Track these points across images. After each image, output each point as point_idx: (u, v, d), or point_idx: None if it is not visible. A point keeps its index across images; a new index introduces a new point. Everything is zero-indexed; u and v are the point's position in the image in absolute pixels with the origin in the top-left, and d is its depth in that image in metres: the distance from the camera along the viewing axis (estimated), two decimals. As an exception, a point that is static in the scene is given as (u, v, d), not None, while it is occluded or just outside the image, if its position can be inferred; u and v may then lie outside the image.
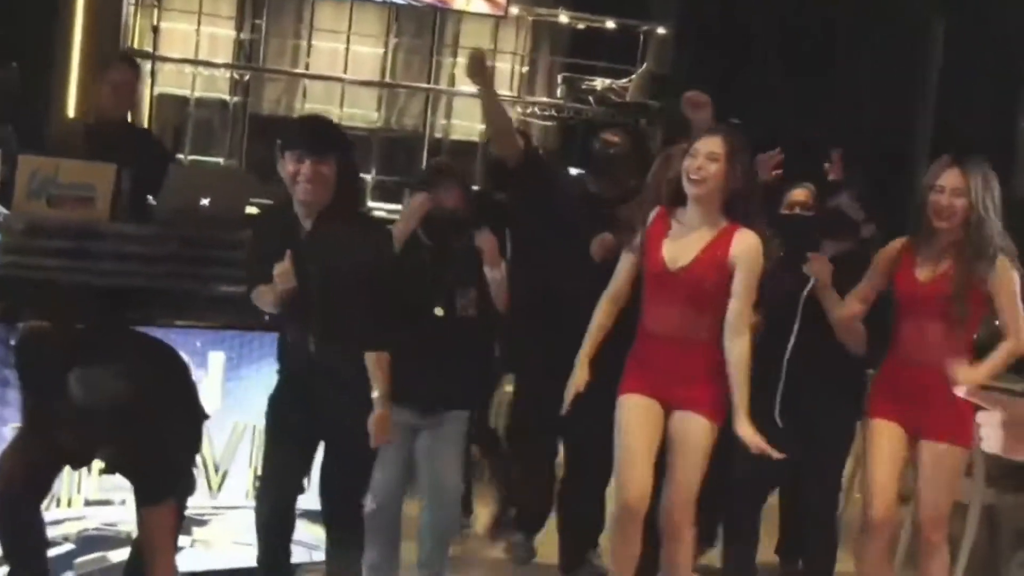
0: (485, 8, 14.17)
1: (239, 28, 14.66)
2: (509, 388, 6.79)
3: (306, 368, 4.88)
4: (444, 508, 5.43)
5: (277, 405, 5.01)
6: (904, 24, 11.17)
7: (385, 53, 15.07)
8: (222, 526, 5.60)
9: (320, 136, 4.84)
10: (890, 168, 8.49)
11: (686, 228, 5.03)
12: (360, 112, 15.07)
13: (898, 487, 5.29)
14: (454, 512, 5.57)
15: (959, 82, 10.94)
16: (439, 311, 5.26)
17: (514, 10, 14.46)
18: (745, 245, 4.98)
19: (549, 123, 14.91)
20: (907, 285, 5.22)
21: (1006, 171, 10.48)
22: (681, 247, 5.01)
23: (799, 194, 6.00)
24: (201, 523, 5.54)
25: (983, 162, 5.21)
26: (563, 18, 14.63)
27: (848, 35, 11.29)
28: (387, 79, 14.97)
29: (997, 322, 5.20)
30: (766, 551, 6.24)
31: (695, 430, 5.00)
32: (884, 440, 5.25)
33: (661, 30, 14.22)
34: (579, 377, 5.05)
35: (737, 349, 4.96)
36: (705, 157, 4.94)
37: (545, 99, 14.92)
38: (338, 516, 5.03)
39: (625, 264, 5.12)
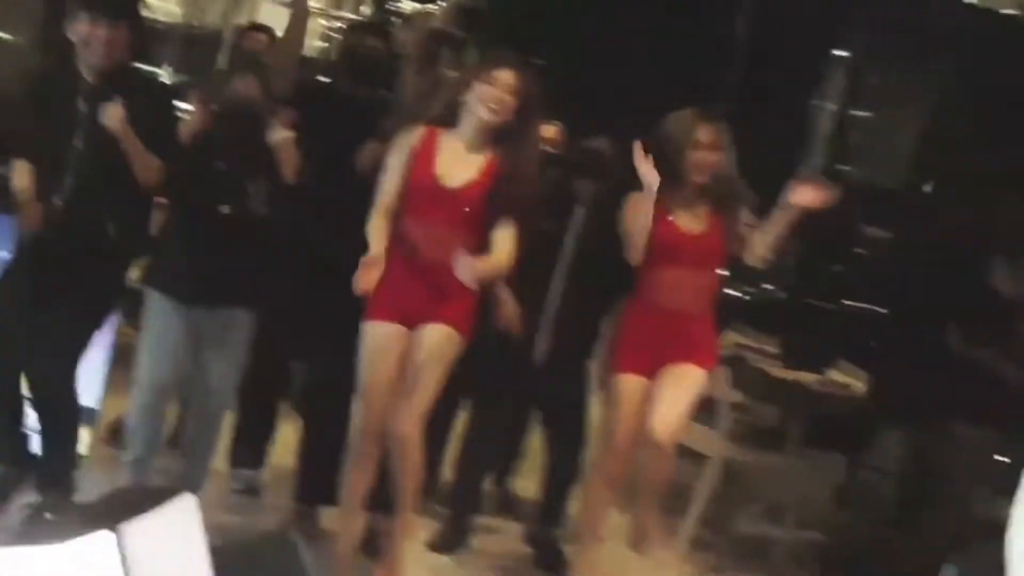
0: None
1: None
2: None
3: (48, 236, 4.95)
4: (215, 408, 5.34)
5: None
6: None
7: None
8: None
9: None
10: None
11: (460, 149, 5.01)
12: (162, 5, 14.71)
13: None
14: (218, 419, 5.40)
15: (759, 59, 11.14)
16: (225, 208, 5.08)
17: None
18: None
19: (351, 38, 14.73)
20: (670, 235, 5.28)
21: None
22: (456, 167, 4.99)
23: (547, 130, 5.93)
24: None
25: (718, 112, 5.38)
26: (377, -65, 14.51)
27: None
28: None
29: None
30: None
31: (438, 340, 4.98)
32: (629, 396, 5.32)
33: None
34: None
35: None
36: (503, 89, 4.94)
37: (349, 14, 14.78)
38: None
39: (395, 177, 5.04)
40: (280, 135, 5.07)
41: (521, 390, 5.97)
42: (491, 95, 4.94)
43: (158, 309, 5.14)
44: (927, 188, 10.57)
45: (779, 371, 7.04)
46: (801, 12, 10.75)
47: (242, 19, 14.90)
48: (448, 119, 5.04)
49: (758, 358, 7.17)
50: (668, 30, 11.16)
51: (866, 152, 11.85)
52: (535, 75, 5.14)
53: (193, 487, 3.80)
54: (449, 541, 5.91)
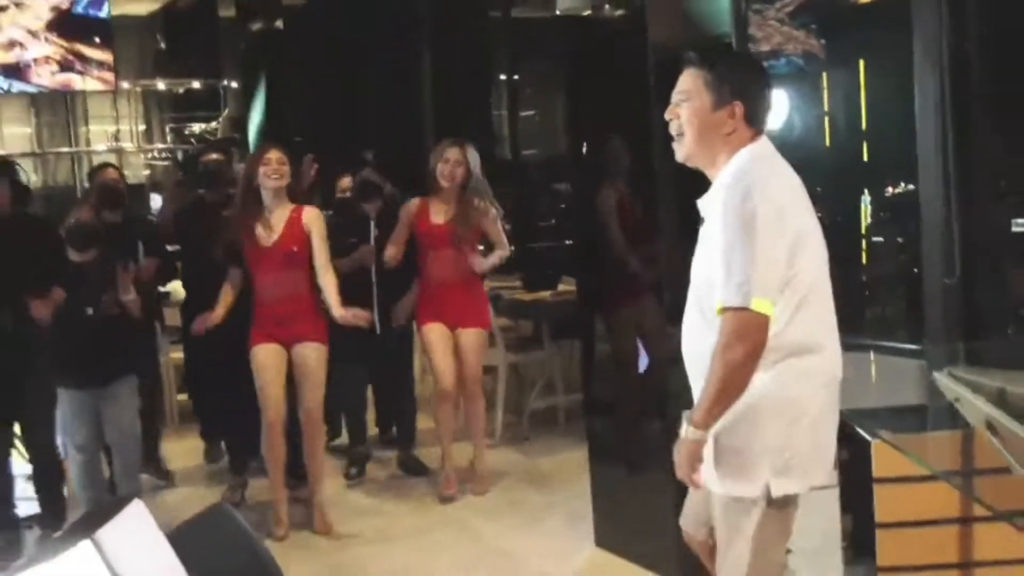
0: (99, 86, 13.50)
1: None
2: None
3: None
4: (128, 451, 5.12)
5: None
6: (403, 53, 11.31)
7: (34, 129, 14.22)
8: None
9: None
10: (404, 149, 8.51)
11: (273, 214, 4.89)
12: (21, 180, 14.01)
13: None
14: (135, 452, 5.19)
15: (446, 89, 11.14)
16: (89, 311, 4.87)
17: (125, 84, 13.89)
18: (313, 215, 4.95)
19: (166, 163, 14.47)
20: (428, 228, 5.29)
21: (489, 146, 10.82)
22: (275, 227, 4.88)
23: (343, 181, 6.06)
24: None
25: (469, 141, 5.42)
26: (161, 85, 14.21)
27: (366, 65, 11.28)
28: (37, 150, 14.10)
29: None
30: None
31: (314, 355, 4.93)
32: (436, 337, 5.31)
33: (235, 84, 14.01)
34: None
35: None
36: (276, 163, 4.87)
37: (160, 145, 14.47)
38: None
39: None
40: (127, 297, 4.92)
41: (368, 356, 5.87)
42: (269, 170, 4.85)
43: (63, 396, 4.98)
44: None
45: (525, 295, 7.16)
46: (470, 52, 10.82)
47: (84, 173, 14.51)
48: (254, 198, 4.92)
49: (510, 291, 7.27)
50: (377, 85, 11.12)
51: (537, 138, 11.96)
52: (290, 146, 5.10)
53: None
54: (355, 474, 5.86)
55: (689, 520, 2.84)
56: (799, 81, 5.89)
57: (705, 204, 2.59)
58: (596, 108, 4.67)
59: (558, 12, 5.53)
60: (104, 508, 2.18)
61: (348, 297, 5.62)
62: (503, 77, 11.25)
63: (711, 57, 2.60)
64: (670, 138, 2.68)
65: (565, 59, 5.03)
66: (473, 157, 5.33)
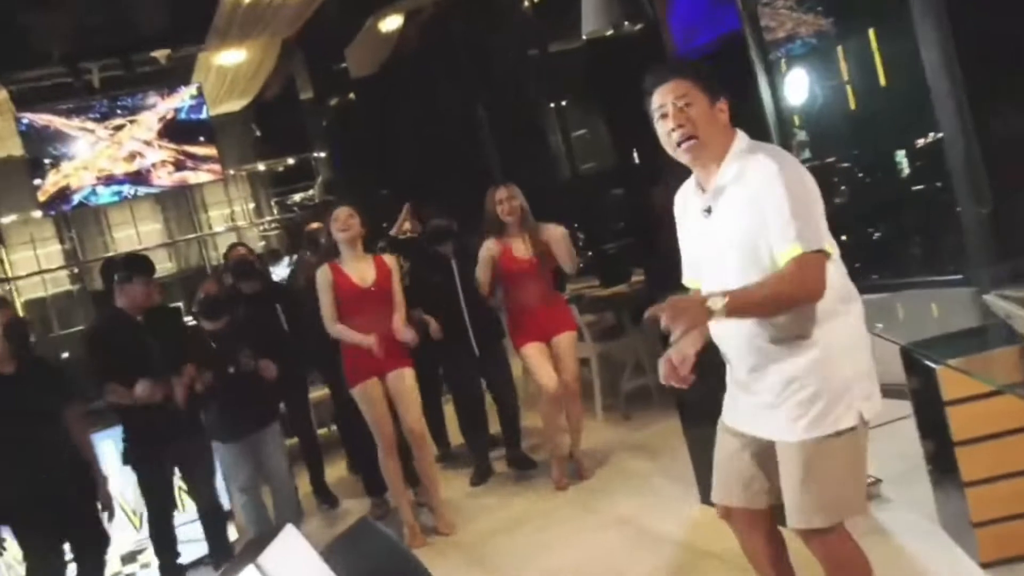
0: (209, 177, 13.85)
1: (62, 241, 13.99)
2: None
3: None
4: (283, 485, 5.19)
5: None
6: (461, 103, 11.35)
7: (163, 224, 14.60)
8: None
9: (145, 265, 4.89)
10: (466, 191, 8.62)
11: (358, 264, 4.91)
12: (159, 266, 14.48)
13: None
14: (290, 486, 5.29)
15: (502, 127, 11.15)
16: (231, 370, 4.97)
17: (231, 171, 14.22)
18: (392, 260, 5.03)
19: (276, 231, 14.75)
20: (513, 264, 5.27)
21: (550, 167, 10.79)
22: (361, 274, 4.90)
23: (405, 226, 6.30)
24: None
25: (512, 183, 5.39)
26: (261, 167, 14.50)
27: (431, 121, 11.36)
28: (168, 240, 14.48)
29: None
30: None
31: (406, 379, 4.95)
32: (534, 353, 5.27)
33: (323, 155, 14.23)
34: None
35: None
36: (345, 217, 4.89)
37: (269, 217, 14.74)
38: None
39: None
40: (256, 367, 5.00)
41: (476, 373, 5.88)
42: (338, 226, 4.88)
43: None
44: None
45: (604, 291, 7.10)
46: (519, 91, 10.81)
47: (211, 252, 14.85)
48: (335, 252, 4.95)
49: (590, 290, 7.24)
50: (440, 137, 11.17)
51: (591, 153, 11.88)
52: (356, 204, 5.09)
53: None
54: (481, 476, 5.82)
55: (726, 490, 2.75)
56: (816, 58, 5.77)
57: (725, 179, 2.55)
58: (634, 117, 4.62)
59: (584, 37, 5.46)
60: (262, 536, 2.19)
61: (445, 324, 5.68)
62: (552, 105, 11.20)
63: (687, 65, 2.63)
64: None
65: (597, 79, 4.99)
66: (518, 192, 5.30)
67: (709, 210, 2.58)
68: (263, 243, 15.00)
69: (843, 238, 6.02)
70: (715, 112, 2.57)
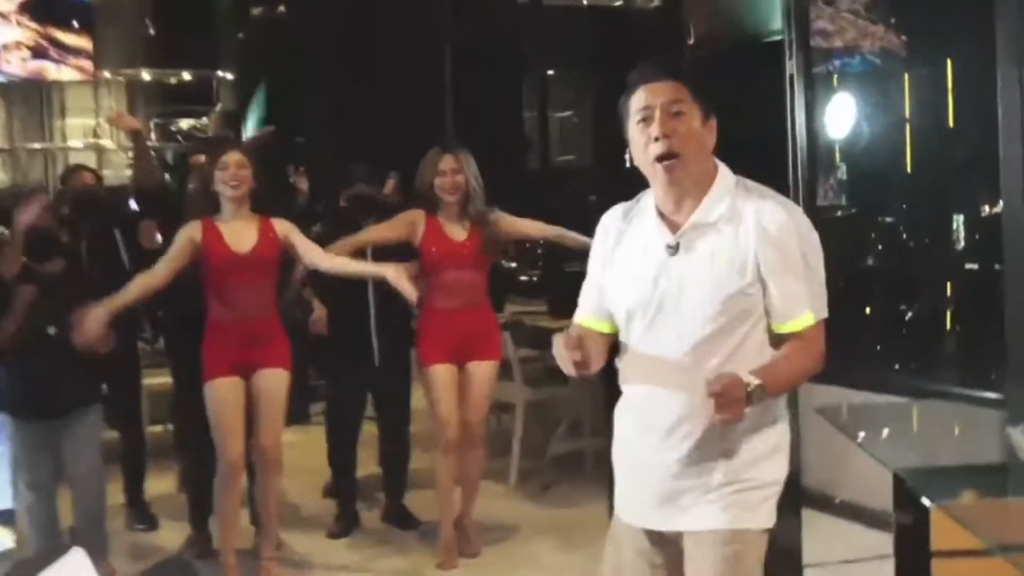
0: (76, 76, 13.63)
1: None
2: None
3: None
4: (90, 491, 5.06)
5: None
6: (422, 48, 11.34)
7: (3, 122, 14.38)
8: None
9: None
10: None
11: (237, 226, 4.90)
12: (-11, 176, 14.23)
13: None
14: (100, 493, 5.14)
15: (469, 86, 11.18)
16: (51, 330, 4.81)
17: (106, 74, 14.04)
18: (286, 225, 4.99)
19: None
20: (442, 244, 5.24)
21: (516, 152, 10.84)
22: (242, 238, 4.88)
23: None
24: None
25: (463, 146, 5.37)
26: (147, 76, 14.36)
27: (379, 58, 11.34)
28: (6, 145, 14.24)
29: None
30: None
31: (277, 383, 4.94)
32: (444, 379, 5.25)
33: (229, 76, 14.15)
34: None
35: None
36: (235, 167, 4.88)
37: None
38: None
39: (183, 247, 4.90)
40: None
41: (365, 389, 5.90)
42: (226, 176, 4.87)
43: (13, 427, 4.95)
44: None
45: (551, 322, 7.14)
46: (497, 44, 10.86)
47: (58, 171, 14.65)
48: (212, 209, 4.94)
49: (533, 318, 7.27)
50: (392, 84, 11.16)
51: (573, 143, 11.95)
52: (253, 147, 5.14)
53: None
54: (343, 528, 5.80)
55: None
56: (875, 83, 5.86)
57: (710, 216, 2.63)
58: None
59: (585, 2, 5.52)
60: (40, 556, 2.16)
61: (341, 323, 5.68)
62: (533, 74, 11.26)
63: (686, 65, 2.72)
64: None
65: (592, 55, 5.03)
66: (470, 163, 5.31)
67: (676, 248, 2.64)
68: (131, 174, 14.84)
69: (867, 310, 6.17)
70: (705, 131, 2.65)
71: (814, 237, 2.66)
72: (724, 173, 2.68)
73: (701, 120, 2.63)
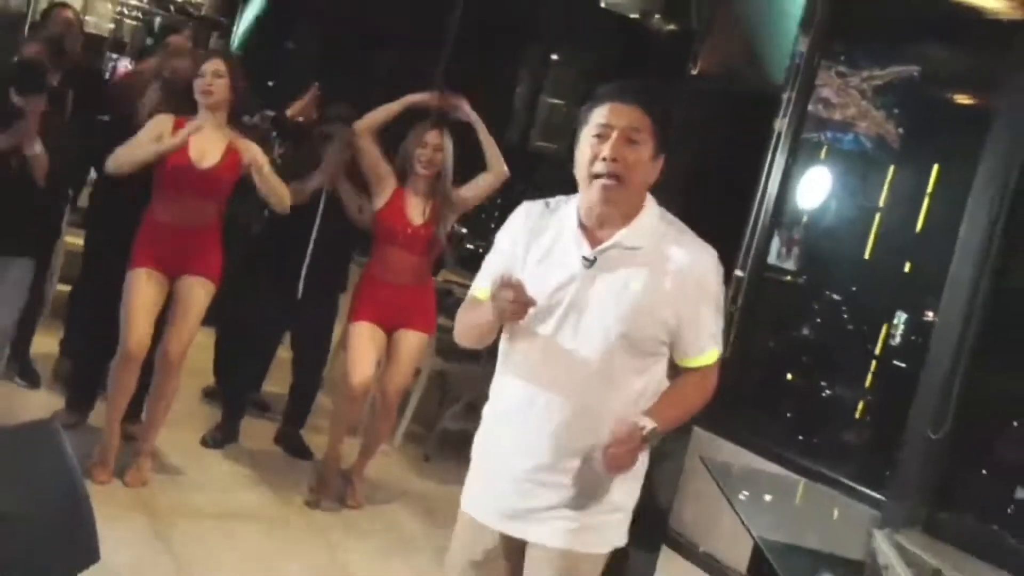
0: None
1: None
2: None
3: None
4: None
5: None
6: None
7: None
8: None
9: None
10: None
11: (207, 135, 4.96)
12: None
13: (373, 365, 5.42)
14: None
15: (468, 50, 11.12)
16: (13, 162, 4.78)
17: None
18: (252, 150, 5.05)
19: (137, 23, 14.37)
20: (399, 222, 5.35)
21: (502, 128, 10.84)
22: (206, 150, 4.95)
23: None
24: None
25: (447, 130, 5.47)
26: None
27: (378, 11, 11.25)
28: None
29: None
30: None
31: (199, 291, 5.01)
32: (365, 335, 5.36)
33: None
34: None
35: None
36: (212, 75, 4.93)
37: (134, 1, 14.36)
38: None
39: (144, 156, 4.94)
40: (33, 150, 4.80)
41: (281, 316, 5.99)
42: (202, 84, 4.93)
43: None
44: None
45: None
46: (504, 15, 10.80)
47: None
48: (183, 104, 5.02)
49: (463, 291, 7.29)
50: (395, 20, 11.08)
51: (560, 132, 11.97)
52: (236, 60, 5.22)
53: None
54: (220, 439, 5.88)
55: None
56: (860, 165, 5.96)
57: (631, 241, 2.72)
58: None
59: (603, 4, 5.57)
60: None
61: (275, 254, 5.78)
62: (534, 56, 11.24)
63: (657, 98, 2.76)
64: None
65: (599, 55, 5.09)
66: (450, 144, 5.40)
67: (593, 262, 2.72)
68: (111, 27, 14.62)
69: (788, 376, 6.26)
70: (652, 166, 2.75)
71: (721, 280, 2.81)
72: (651, 205, 2.79)
73: (652, 155, 2.72)
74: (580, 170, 2.73)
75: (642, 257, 2.71)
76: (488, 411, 2.93)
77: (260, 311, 5.92)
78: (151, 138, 4.92)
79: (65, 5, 6.57)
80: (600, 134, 2.68)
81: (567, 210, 2.80)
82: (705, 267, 2.76)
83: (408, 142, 5.40)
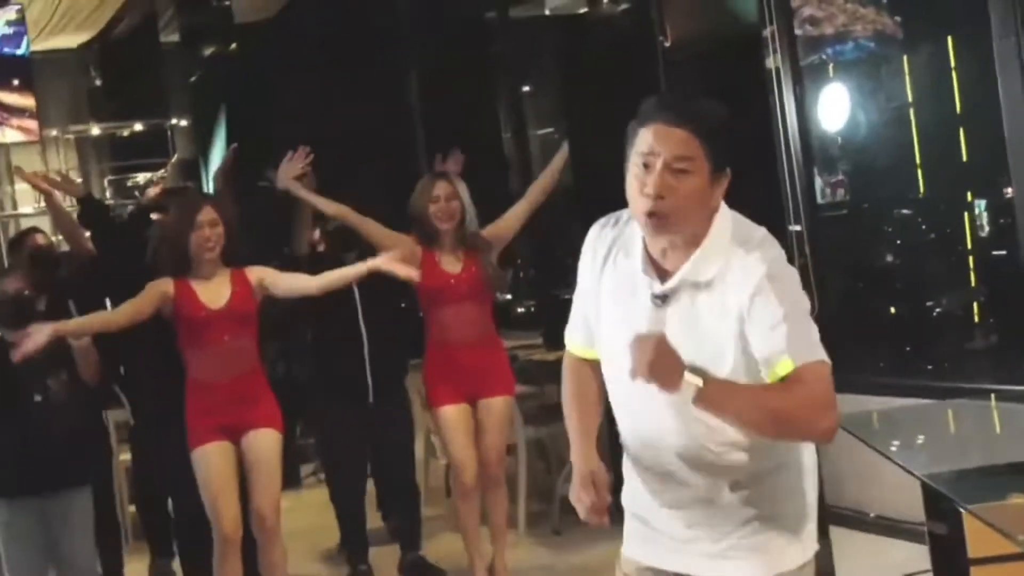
0: (20, 137, 13.66)
1: None
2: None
3: None
4: None
5: None
6: (385, 74, 11.39)
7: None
8: None
9: None
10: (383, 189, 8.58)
11: (212, 282, 4.99)
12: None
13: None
14: None
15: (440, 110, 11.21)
16: (37, 398, 4.88)
17: (53, 132, 14.08)
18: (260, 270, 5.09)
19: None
20: (438, 280, 5.31)
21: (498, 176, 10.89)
22: (215, 292, 4.96)
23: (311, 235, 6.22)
24: None
25: (452, 173, 5.49)
26: (96, 131, 14.39)
27: (340, 93, 11.37)
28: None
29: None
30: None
31: (269, 444, 4.97)
32: (456, 420, 5.35)
33: (183, 123, 14.19)
34: None
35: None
36: (209, 226, 4.95)
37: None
38: None
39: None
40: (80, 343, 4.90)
41: (364, 434, 5.89)
42: (199, 238, 4.92)
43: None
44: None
45: (548, 354, 7.14)
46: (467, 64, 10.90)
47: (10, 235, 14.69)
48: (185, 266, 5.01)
49: (528, 351, 7.28)
50: (358, 118, 11.18)
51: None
52: (228, 202, 5.26)
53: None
54: None
55: None
56: (871, 69, 5.88)
57: (700, 277, 2.57)
58: (599, 124, 4.68)
59: (547, 12, 5.60)
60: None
61: (332, 361, 5.69)
62: (507, 91, 11.29)
63: (707, 113, 2.56)
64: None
65: (566, 67, 5.06)
66: (464, 189, 5.35)
67: (664, 299, 2.59)
68: (87, 235, 14.82)
69: (891, 310, 6.17)
70: (712, 190, 2.56)
71: (796, 280, 2.60)
72: (721, 224, 2.60)
73: (709, 178, 2.53)
74: (629, 199, 2.59)
75: (710, 290, 2.56)
76: (623, 453, 2.83)
77: (347, 439, 5.85)
78: (158, 291, 4.92)
79: (32, 230, 6.64)
80: (646, 163, 2.53)
81: (635, 230, 2.66)
82: (752, 282, 2.51)
83: (416, 204, 5.38)
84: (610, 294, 2.69)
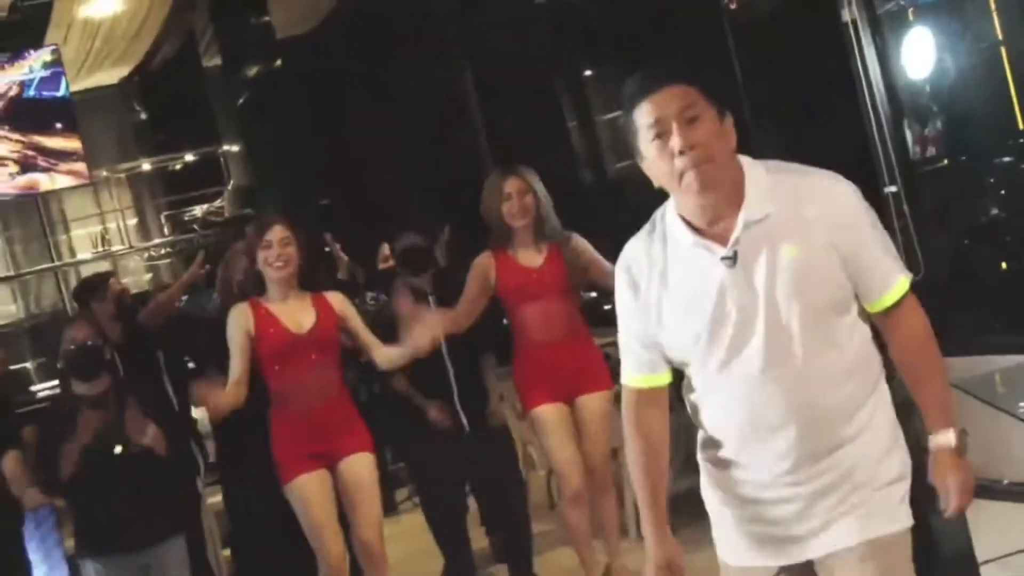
0: (71, 181, 13.81)
1: None
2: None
3: None
4: None
5: None
6: (440, 78, 11.42)
7: (2, 248, 14.59)
8: None
9: None
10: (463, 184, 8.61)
11: (290, 306, 4.99)
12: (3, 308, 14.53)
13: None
14: None
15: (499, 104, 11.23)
16: (118, 449, 4.91)
17: (103, 172, 14.24)
18: (340, 299, 5.10)
19: (167, 260, 14.76)
20: (518, 276, 5.29)
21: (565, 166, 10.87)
22: (298, 318, 4.97)
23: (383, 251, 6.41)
24: None
25: (526, 166, 5.41)
26: (147, 166, 14.53)
27: (394, 94, 11.43)
28: (9, 271, 14.46)
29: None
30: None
31: (365, 468, 5.01)
32: (554, 421, 5.30)
33: (235, 148, 14.26)
34: None
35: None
36: (280, 245, 4.94)
37: (157, 241, 14.74)
38: None
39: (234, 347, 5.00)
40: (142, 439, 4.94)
41: (461, 464, 5.85)
42: (270, 256, 4.94)
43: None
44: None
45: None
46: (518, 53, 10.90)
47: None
48: (258, 290, 5.04)
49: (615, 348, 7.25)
50: (415, 123, 11.23)
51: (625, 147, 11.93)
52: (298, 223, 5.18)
53: None
54: None
55: None
56: (953, 9, 5.81)
57: (761, 211, 2.64)
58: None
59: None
60: None
61: (419, 391, 5.73)
62: (568, 77, 11.27)
63: (686, 67, 2.70)
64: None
65: (629, 44, 5.02)
66: (536, 182, 5.34)
67: (734, 258, 2.63)
68: (150, 276, 15.02)
69: (1002, 265, 6.10)
70: (724, 130, 2.66)
71: (864, 200, 2.72)
72: (749, 166, 2.69)
73: (717, 119, 2.63)
74: (662, 180, 2.65)
75: (776, 222, 2.62)
76: (706, 457, 2.84)
77: (442, 471, 5.82)
78: (243, 331, 4.95)
79: (106, 276, 6.74)
80: (659, 133, 2.60)
81: (670, 225, 2.72)
82: (843, 197, 2.69)
83: (487, 205, 5.33)
84: (672, 301, 2.70)
